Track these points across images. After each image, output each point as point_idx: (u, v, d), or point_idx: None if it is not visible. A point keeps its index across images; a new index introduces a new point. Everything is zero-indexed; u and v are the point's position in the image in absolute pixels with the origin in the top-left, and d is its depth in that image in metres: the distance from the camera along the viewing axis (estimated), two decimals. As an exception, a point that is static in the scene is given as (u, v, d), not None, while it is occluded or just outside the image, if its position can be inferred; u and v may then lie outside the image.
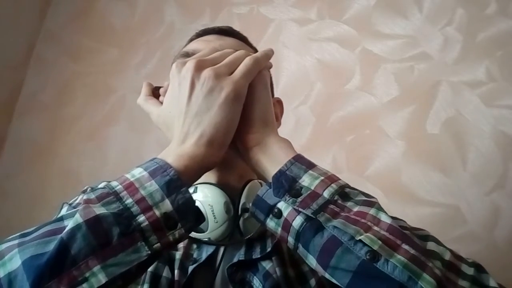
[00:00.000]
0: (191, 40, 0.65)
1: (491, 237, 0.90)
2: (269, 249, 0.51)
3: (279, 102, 0.66)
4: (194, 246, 0.53)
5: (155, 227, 0.37)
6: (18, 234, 0.38)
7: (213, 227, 0.50)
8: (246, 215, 0.51)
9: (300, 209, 0.39)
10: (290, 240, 0.41)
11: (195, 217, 0.41)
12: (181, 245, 0.53)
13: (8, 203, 1.36)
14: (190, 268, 0.50)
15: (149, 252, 0.36)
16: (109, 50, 1.43)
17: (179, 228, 0.38)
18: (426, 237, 0.43)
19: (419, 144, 1.01)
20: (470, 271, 0.40)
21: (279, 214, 0.41)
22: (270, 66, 0.52)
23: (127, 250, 0.36)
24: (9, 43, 1.44)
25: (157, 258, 0.39)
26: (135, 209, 0.37)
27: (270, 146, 0.45)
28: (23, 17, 1.48)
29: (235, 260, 0.51)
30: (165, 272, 0.49)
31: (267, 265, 0.50)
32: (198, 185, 0.52)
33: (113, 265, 0.35)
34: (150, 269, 0.49)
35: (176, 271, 0.50)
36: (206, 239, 0.51)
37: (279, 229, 0.41)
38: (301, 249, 0.40)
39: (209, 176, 0.54)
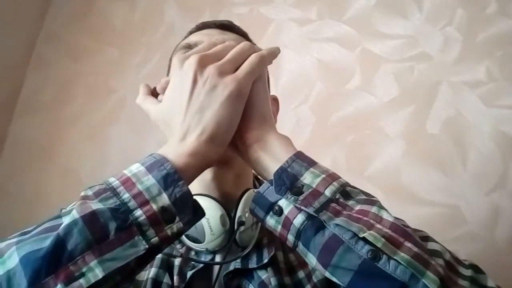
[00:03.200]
0: (191, 32, 0.64)
1: (491, 237, 0.91)
2: (265, 261, 0.52)
3: (275, 100, 0.65)
4: (193, 253, 0.54)
5: (153, 221, 0.37)
6: (18, 232, 0.39)
7: (209, 238, 0.51)
8: (242, 228, 0.51)
9: (302, 207, 0.39)
10: (290, 238, 0.40)
11: (193, 210, 0.40)
12: (180, 251, 0.54)
13: (8, 203, 1.36)
14: (189, 273, 0.50)
15: (147, 246, 0.36)
16: (109, 50, 1.43)
17: (177, 221, 0.38)
18: (426, 238, 0.44)
19: (419, 144, 1.01)
20: (467, 272, 0.40)
21: (279, 212, 0.41)
22: (270, 63, 0.51)
23: (124, 245, 0.35)
24: (9, 43, 1.43)
25: (156, 253, 0.39)
26: (132, 203, 0.37)
27: (270, 143, 0.44)
28: (23, 17, 1.48)
29: (231, 268, 0.51)
30: (166, 279, 0.50)
31: (263, 275, 0.51)
32: (194, 197, 0.52)
33: (110, 260, 0.35)
34: (151, 275, 0.49)
35: (175, 277, 0.50)
36: (203, 249, 0.52)
37: (279, 226, 0.41)
38: (301, 248, 0.40)
39: (205, 172, 0.54)
